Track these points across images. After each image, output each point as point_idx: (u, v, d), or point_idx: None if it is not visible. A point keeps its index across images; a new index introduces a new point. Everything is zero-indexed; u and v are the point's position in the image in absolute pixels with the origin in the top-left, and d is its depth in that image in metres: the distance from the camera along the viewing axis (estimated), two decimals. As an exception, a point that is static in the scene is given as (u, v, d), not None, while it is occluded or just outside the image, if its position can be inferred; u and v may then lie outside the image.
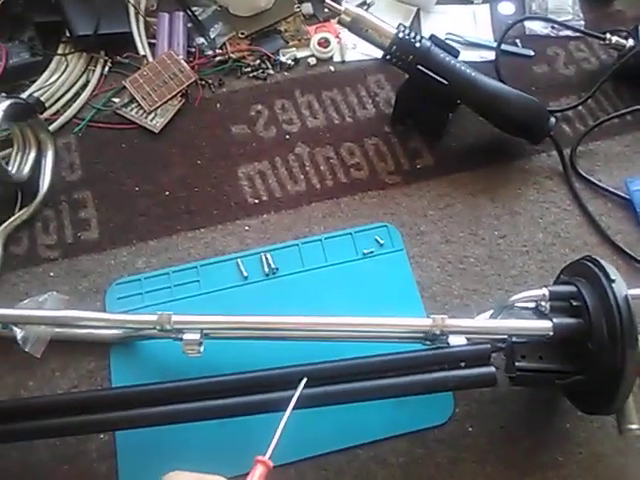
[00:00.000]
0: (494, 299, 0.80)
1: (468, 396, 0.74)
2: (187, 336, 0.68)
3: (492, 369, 0.63)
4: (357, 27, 0.82)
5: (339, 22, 0.82)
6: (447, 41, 0.85)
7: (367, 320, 0.68)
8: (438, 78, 0.80)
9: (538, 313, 0.69)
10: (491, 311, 0.73)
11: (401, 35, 0.80)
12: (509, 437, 0.73)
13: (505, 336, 0.67)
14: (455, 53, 0.83)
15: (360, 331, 0.69)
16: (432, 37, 0.83)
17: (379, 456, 0.72)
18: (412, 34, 0.81)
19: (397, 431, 0.73)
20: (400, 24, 0.82)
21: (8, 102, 0.80)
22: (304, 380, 0.62)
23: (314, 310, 0.76)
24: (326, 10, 1.02)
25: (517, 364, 0.64)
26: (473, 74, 0.82)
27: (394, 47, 0.81)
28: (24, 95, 0.92)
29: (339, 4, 0.84)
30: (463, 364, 0.65)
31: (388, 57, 0.82)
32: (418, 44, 0.80)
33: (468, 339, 0.67)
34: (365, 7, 1.02)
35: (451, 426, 0.73)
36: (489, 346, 0.64)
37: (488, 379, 0.63)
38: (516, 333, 0.65)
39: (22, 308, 0.74)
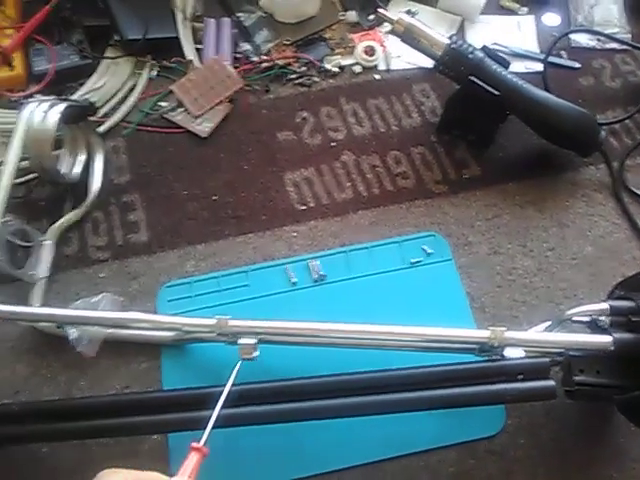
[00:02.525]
0: (544, 311, 0.80)
1: (519, 408, 0.74)
2: (243, 340, 0.68)
3: (552, 382, 0.63)
4: (409, 37, 0.82)
5: (392, 32, 0.83)
6: (494, 51, 0.85)
7: (423, 330, 0.68)
8: (490, 89, 0.81)
9: (594, 327, 0.69)
10: (545, 324, 0.73)
11: (454, 46, 0.80)
12: (561, 451, 0.72)
13: (561, 349, 0.67)
14: (506, 64, 0.84)
15: (415, 340, 0.69)
16: (484, 48, 0.83)
17: (430, 466, 0.72)
18: (464, 45, 0.81)
19: (448, 441, 0.73)
20: (452, 35, 0.82)
21: (64, 105, 0.81)
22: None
23: (362, 318, 0.76)
24: (370, 18, 1.04)
25: (576, 378, 0.64)
26: (525, 85, 0.82)
27: (446, 57, 0.81)
28: (74, 98, 0.93)
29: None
30: (521, 377, 0.65)
31: (440, 67, 0.83)
32: (471, 55, 0.81)
33: (525, 352, 0.67)
34: (410, 16, 1.02)
35: (502, 438, 0.73)
36: (548, 359, 0.64)
37: (547, 392, 0.63)
38: (576, 347, 0.65)
39: (80, 309, 0.75)
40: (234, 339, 0.70)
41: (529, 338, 0.66)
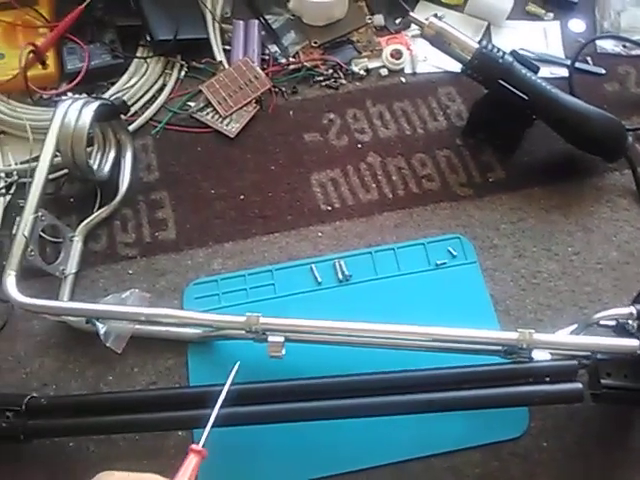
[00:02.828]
0: (568, 315, 0.80)
1: (543, 411, 0.74)
2: (272, 338, 0.69)
3: (579, 385, 0.64)
4: (440, 40, 0.83)
5: (422, 35, 0.84)
6: (519, 57, 0.86)
7: (450, 330, 0.69)
8: (519, 93, 0.81)
9: (620, 331, 0.69)
10: (570, 327, 0.73)
11: (484, 50, 0.81)
12: (584, 454, 0.73)
13: (588, 353, 0.68)
14: (535, 69, 0.84)
15: (441, 341, 0.69)
16: (513, 52, 0.84)
17: (454, 467, 0.72)
18: (494, 49, 0.82)
19: (472, 443, 0.73)
20: (482, 39, 0.83)
21: (97, 103, 0.83)
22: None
23: (387, 319, 0.77)
24: (397, 22, 1.05)
25: (603, 381, 0.64)
26: (553, 90, 0.83)
27: (475, 61, 0.82)
28: (105, 96, 0.94)
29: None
30: (547, 379, 0.65)
31: (469, 71, 0.83)
32: (501, 59, 0.81)
33: (552, 354, 0.67)
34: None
35: (526, 440, 0.73)
36: (576, 362, 0.65)
37: (574, 395, 0.63)
38: (603, 350, 0.65)
39: (111, 304, 0.76)
40: (263, 337, 0.71)
41: (557, 340, 0.67)
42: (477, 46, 0.82)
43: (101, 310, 0.73)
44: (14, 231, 0.75)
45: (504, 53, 0.82)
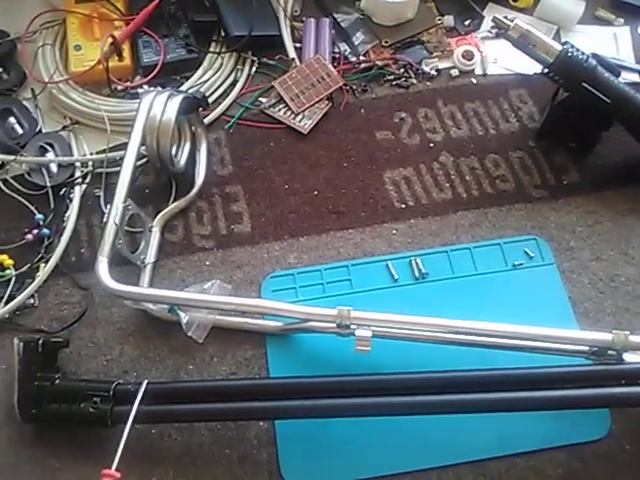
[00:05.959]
0: (647, 319, 0.81)
1: (624, 413, 0.74)
2: (360, 332, 0.70)
3: (675, 388, 0.64)
4: (523, 42, 0.83)
5: (505, 37, 0.84)
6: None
7: (541, 330, 0.69)
8: (602, 97, 0.81)
9: None
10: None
11: (569, 53, 0.81)
12: (668, 458, 0.73)
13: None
14: (616, 72, 0.84)
15: (531, 339, 0.69)
16: (595, 56, 0.84)
17: (537, 466, 0.72)
18: (579, 52, 0.82)
19: (554, 443, 0.73)
20: (567, 42, 0.83)
21: (182, 96, 0.84)
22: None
23: (465, 318, 0.77)
24: (466, 23, 1.06)
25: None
26: (637, 95, 0.83)
27: (558, 63, 0.82)
28: (182, 90, 0.95)
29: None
30: (640, 381, 0.65)
31: (550, 74, 0.84)
32: (585, 63, 0.81)
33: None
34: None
35: (608, 442, 0.73)
36: (671, 365, 0.65)
37: (671, 397, 0.63)
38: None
39: (196, 293, 0.77)
40: (349, 331, 0.71)
41: (654, 343, 0.67)
42: (560, 48, 0.82)
43: (197, 299, 0.74)
44: (104, 219, 0.76)
45: (587, 56, 0.82)
